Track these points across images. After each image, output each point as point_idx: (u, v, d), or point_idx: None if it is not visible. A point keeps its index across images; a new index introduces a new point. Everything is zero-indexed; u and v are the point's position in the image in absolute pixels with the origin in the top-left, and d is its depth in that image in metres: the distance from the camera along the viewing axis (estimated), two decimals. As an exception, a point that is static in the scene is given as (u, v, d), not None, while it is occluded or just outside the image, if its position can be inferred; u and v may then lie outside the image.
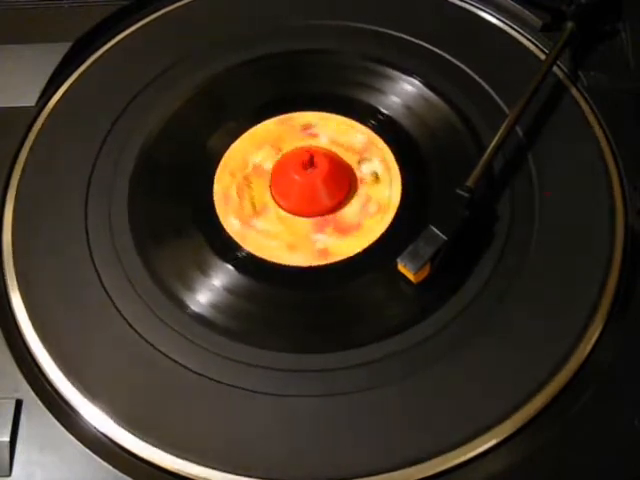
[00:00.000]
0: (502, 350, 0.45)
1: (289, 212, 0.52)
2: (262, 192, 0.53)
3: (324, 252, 0.50)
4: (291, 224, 0.51)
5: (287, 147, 0.54)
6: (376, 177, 0.51)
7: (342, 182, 0.52)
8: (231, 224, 0.51)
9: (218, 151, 0.54)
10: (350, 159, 0.53)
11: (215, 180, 0.53)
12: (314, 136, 0.55)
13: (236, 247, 0.50)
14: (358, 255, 0.49)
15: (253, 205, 0.52)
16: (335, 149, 0.54)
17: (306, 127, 0.55)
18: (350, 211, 0.52)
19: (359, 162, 0.53)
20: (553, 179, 0.51)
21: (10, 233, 0.50)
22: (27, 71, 0.57)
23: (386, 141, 0.54)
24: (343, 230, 0.51)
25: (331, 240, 0.50)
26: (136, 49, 0.59)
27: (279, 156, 0.54)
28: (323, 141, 0.54)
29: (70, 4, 0.61)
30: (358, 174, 0.52)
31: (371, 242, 0.50)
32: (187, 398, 0.44)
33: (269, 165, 0.53)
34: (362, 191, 0.52)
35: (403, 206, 0.51)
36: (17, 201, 0.52)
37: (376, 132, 0.55)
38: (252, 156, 0.54)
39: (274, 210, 0.52)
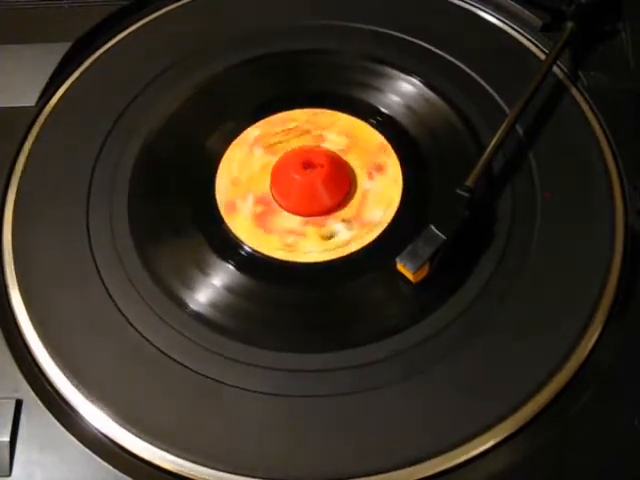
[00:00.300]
0: (502, 350, 0.45)
1: (289, 212, 0.52)
2: (293, 147, 0.54)
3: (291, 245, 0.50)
4: (259, 178, 0.53)
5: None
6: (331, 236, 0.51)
7: (342, 182, 0.52)
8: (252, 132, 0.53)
9: (218, 151, 0.54)
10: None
11: (216, 179, 0.53)
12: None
13: (236, 246, 0.50)
14: (357, 254, 0.49)
15: (277, 143, 0.54)
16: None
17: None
18: (350, 211, 0.52)
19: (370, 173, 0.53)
20: (553, 179, 0.51)
21: (10, 233, 0.50)
22: (27, 71, 0.57)
23: (386, 141, 0.54)
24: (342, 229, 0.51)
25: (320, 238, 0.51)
26: (136, 49, 0.59)
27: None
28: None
29: (70, 4, 0.61)
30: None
31: (370, 242, 0.50)
32: (187, 398, 0.44)
33: (330, 146, 0.54)
34: (362, 191, 0.52)
35: (403, 205, 0.51)
36: (17, 201, 0.52)
37: (376, 132, 0.55)
38: (332, 128, 0.55)
39: (273, 160, 0.53)
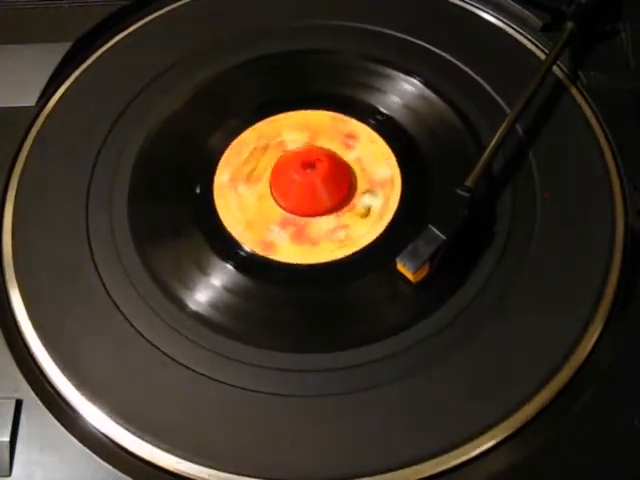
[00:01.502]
0: (502, 350, 0.45)
1: (289, 212, 0.52)
2: (267, 166, 0.53)
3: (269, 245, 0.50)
4: (266, 207, 0.52)
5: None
6: (368, 210, 0.51)
7: (342, 182, 0.52)
8: (221, 176, 0.53)
9: (218, 151, 0.54)
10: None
11: (215, 179, 0.53)
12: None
13: (236, 246, 0.50)
14: (358, 254, 0.49)
15: (252, 171, 0.53)
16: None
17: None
18: (362, 184, 0.52)
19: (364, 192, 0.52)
20: (553, 179, 0.51)
21: (10, 233, 0.50)
22: (27, 71, 0.57)
23: (386, 141, 0.54)
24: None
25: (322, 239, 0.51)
26: (136, 49, 0.59)
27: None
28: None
29: (70, 4, 0.61)
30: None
31: (370, 241, 0.50)
32: (187, 398, 0.44)
33: (294, 146, 0.54)
34: (354, 161, 0.52)
35: (403, 205, 0.51)
36: (17, 201, 0.52)
37: (376, 132, 0.55)
38: (285, 131, 0.55)
39: (263, 186, 0.53)
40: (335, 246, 0.50)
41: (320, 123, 0.55)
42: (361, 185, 0.52)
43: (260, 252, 0.50)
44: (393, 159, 0.53)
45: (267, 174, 0.53)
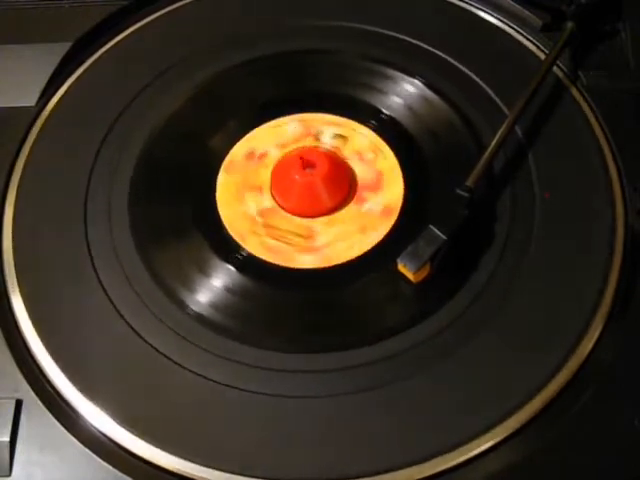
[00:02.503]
0: (502, 350, 0.45)
1: (289, 212, 0.52)
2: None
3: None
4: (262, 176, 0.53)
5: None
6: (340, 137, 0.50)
7: (342, 182, 0.52)
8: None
9: (218, 150, 0.54)
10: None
11: (218, 179, 0.53)
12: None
13: (237, 247, 0.50)
14: (358, 255, 0.49)
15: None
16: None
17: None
18: (350, 211, 0.52)
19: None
20: (553, 179, 0.51)
21: (10, 233, 0.50)
22: (27, 71, 0.57)
23: (387, 141, 0.54)
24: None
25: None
26: (136, 49, 0.59)
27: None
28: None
29: (70, 4, 0.61)
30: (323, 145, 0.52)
31: (372, 240, 0.50)
32: (187, 398, 0.44)
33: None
34: (362, 190, 0.52)
35: (403, 206, 0.51)
36: (17, 201, 0.52)
37: (377, 132, 0.55)
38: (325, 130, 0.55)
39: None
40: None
41: (363, 146, 0.54)
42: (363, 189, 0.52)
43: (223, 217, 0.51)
44: (397, 202, 0.51)
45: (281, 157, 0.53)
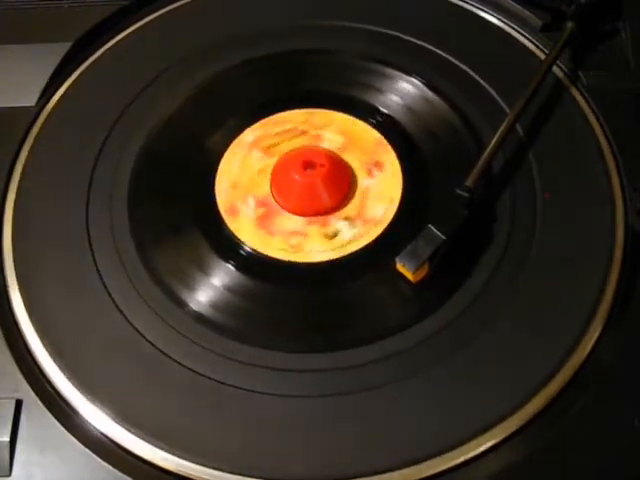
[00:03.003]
0: (502, 350, 0.45)
1: (289, 212, 0.52)
2: (290, 147, 0.54)
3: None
4: (258, 181, 0.53)
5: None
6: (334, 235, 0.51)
7: (342, 182, 0.52)
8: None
9: (218, 151, 0.54)
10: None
11: (216, 182, 0.53)
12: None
13: (237, 246, 0.50)
14: (357, 254, 0.49)
15: (274, 145, 0.54)
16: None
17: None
18: (352, 209, 0.51)
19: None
20: (553, 179, 0.51)
21: (10, 233, 0.50)
22: (27, 71, 0.57)
23: (387, 141, 0.54)
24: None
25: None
26: (136, 49, 0.59)
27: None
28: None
29: (70, 4, 0.61)
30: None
31: (371, 241, 0.50)
32: (187, 398, 0.44)
33: (328, 144, 0.54)
34: (362, 188, 0.52)
35: (403, 205, 0.51)
36: (17, 201, 0.52)
37: (377, 131, 0.54)
38: (328, 128, 0.55)
39: (271, 163, 0.53)
40: (283, 246, 0.50)
41: (358, 135, 0.54)
42: (348, 210, 0.51)
43: (223, 214, 0.51)
44: (396, 200, 0.51)
45: (283, 154, 0.53)
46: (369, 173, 0.53)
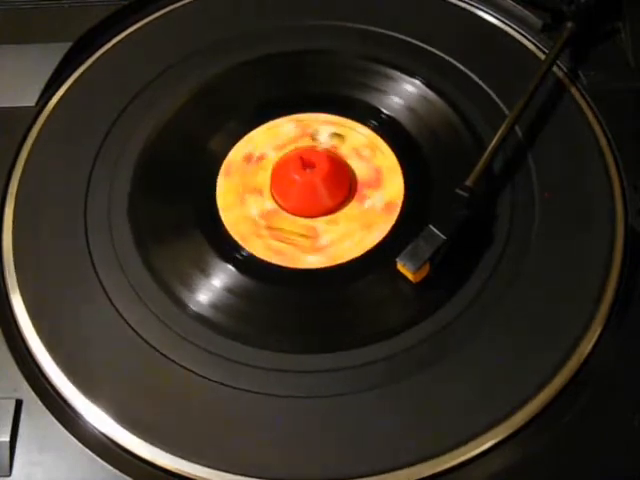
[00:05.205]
0: (502, 350, 0.45)
1: (290, 212, 0.52)
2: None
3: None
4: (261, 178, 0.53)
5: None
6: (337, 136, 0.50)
7: (342, 182, 0.52)
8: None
9: (218, 150, 0.54)
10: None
11: (218, 179, 0.53)
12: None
13: (237, 247, 0.50)
14: (357, 254, 0.49)
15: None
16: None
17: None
18: (350, 211, 0.51)
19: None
20: (553, 179, 0.51)
21: (10, 233, 0.50)
22: (27, 71, 0.57)
23: (387, 141, 0.54)
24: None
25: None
26: (136, 49, 0.59)
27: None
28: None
29: (70, 4, 0.61)
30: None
31: (371, 241, 0.50)
32: (187, 398, 0.44)
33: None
34: (362, 190, 0.52)
35: (403, 205, 0.51)
36: (17, 201, 0.52)
37: (377, 132, 0.55)
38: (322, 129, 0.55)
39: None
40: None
41: (361, 138, 0.54)
42: (348, 210, 0.51)
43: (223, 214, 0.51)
44: (397, 200, 0.52)
45: (283, 154, 0.53)
46: (369, 171, 0.53)
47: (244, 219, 0.51)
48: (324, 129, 0.55)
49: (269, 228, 0.51)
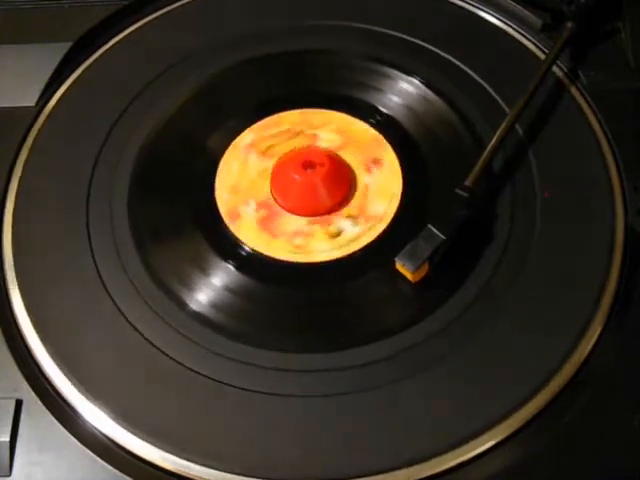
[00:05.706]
0: (502, 350, 0.45)
1: (290, 212, 0.52)
2: (287, 148, 0.54)
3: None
4: (258, 183, 0.53)
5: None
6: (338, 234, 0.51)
7: (342, 182, 0.52)
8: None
9: (218, 150, 0.54)
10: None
11: (215, 187, 0.53)
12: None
13: (237, 246, 0.50)
14: (357, 254, 0.49)
15: (271, 147, 0.54)
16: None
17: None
18: (354, 207, 0.51)
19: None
20: (553, 179, 0.51)
21: (10, 233, 0.50)
22: (27, 71, 0.57)
23: (387, 141, 0.54)
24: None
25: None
26: (136, 49, 0.59)
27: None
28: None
29: (70, 4, 0.61)
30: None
31: (371, 241, 0.50)
32: (187, 398, 0.44)
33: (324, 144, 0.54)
34: (362, 185, 0.52)
35: (403, 205, 0.51)
36: (17, 201, 0.52)
37: (376, 131, 0.55)
38: (324, 128, 0.55)
39: (269, 164, 0.53)
40: (288, 248, 0.50)
41: (355, 133, 0.54)
42: (350, 209, 0.51)
43: (225, 221, 0.51)
44: (397, 199, 0.51)
45: (281, 155, 0.53)
46: (368, 169, 0.53)
47: (245, 219, 0.51)
48: (324, 129, 0.55)
49: (269, 227, 0.51)
